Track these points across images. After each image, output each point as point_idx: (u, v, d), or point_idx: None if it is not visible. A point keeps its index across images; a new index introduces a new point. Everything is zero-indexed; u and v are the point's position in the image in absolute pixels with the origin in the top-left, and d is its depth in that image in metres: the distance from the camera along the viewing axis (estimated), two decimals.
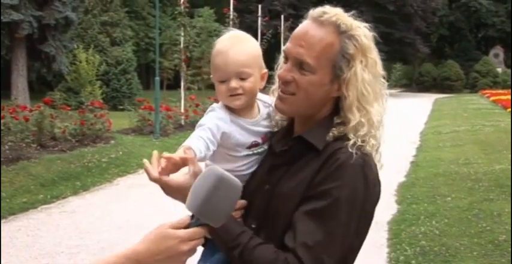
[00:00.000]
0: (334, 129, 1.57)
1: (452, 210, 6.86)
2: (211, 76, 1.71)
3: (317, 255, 1.44)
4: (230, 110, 1.67)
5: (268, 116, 1.73)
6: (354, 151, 1.50)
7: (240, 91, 1.63)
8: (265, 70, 1.71)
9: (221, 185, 1.32)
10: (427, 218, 6.58)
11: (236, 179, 1.37)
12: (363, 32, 1.59)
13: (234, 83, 1.62)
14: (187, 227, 1.34)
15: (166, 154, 1.45)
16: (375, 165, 1.58)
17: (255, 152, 1.68)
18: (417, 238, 5.87)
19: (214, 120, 1.62)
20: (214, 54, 1.66)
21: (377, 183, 1.57)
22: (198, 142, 1.52)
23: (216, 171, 1.35)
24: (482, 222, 6.26)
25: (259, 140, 1.69)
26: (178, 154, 1.45)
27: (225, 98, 1.65)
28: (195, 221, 1.34)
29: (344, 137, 1.55)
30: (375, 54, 1.61)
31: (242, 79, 1.63)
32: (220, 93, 1.65)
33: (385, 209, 7.10)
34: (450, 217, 6.59)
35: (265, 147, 1.70)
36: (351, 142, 1.53)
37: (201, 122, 1.63)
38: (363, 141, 1.54)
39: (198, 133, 1.57)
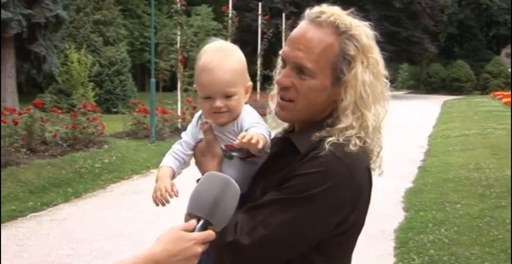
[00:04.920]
0: (322, 131, 1.58)
1: (462, 218, 6.86)
2: (194, 86, 1.76)
3: (253, 223, 1.50)
4: None
5: (233, 129, 1.73)
6: (327, 147, 1.51)
7: (224, 109, 1.68)
8: (250, 83, 1.75)
9: (228, 188, 1.44)
10: (435, 226, 6.58)
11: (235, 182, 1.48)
12: (363, 31, 1.59)
13: (219, 102, 1.67)
14: (193, 230, 1.41)
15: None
16: (359, 165, 1.56)
17: None
18: (425, 247, 5.87)
19: (190, 127, 1.82)
20: (199, 70, 1.68)
21: (355, 182, 1.53)
22: (174, 161, 1.78)
23: (222, 175, 1.47)
24: (494, 230, 6.26)
25: (222, 145, 1.73)
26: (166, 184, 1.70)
27: (208, 115, 1.71)
28: (201, 224, 1.41)
29: (328, 138, 1.56)
30: (376, 54, 1.61)
31: (227, 97, 1.67)
32: (204, 109, 1.72)
33: (392, 217, 7.10)
34: (460, 225, 6.58)
35: (233, 154, 1.72)
36: (330, 139, 1.53)
37: (185, 131, 1.84)
38: (345, 140, 1.54)
39: (175, 149, 1.81)
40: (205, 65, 1.67)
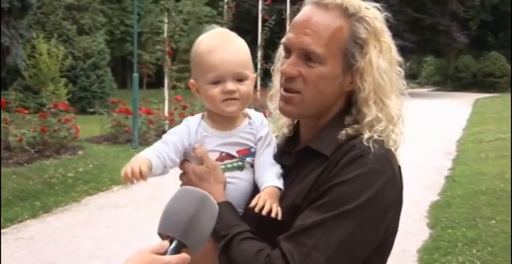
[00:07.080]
0: (347, 128, 1.62)
1: (497, 236, 6.87)
2: (191, 80, 1.77)
3: (305, 249, 1.49)
4: (204, 119, 1.78)
5: (250, 130, 1.77)
6: (371, 144, 1.55)
7: (236, 95, 1.69)
8: (255, 74, 1.78)
9: (206, 206, 1.44)
10: (466, 246, 6.58)
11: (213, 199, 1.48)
12: (373, 13, 1.65)
13: (231, 85, 1.68)
14: (165, 252, 1.41)
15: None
16: (396, 162, 1.62)
17: (228, 166, 1.75)
18: None
19: (185, 130, 1.76)
20: (205, 51, 1.71)
21: (398, 182, 1.60)
22: (155, 158, 1.68)
23: (199, 190, 1.47)
24: None
25: (233, 152, 1.75)
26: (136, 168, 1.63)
27: (217, 103, 1.71)
28: (174, 246, 1.41)
29: (358, 136, 1.60)
30: (388, 38, 1.67)
31: (239, 81, 1.70)
32: (213, 98, 1.71)
33: (415, 234, 7.10)
34: (494, 244, 6.59)
35: (247, 160, 1.75)
36: (366, 136, 1.58)
37: (170, 130, 1.78)
38: (380, 136, 1.59)
39: (158, 146, 1.73)
40: (212, 46, 1.70)
